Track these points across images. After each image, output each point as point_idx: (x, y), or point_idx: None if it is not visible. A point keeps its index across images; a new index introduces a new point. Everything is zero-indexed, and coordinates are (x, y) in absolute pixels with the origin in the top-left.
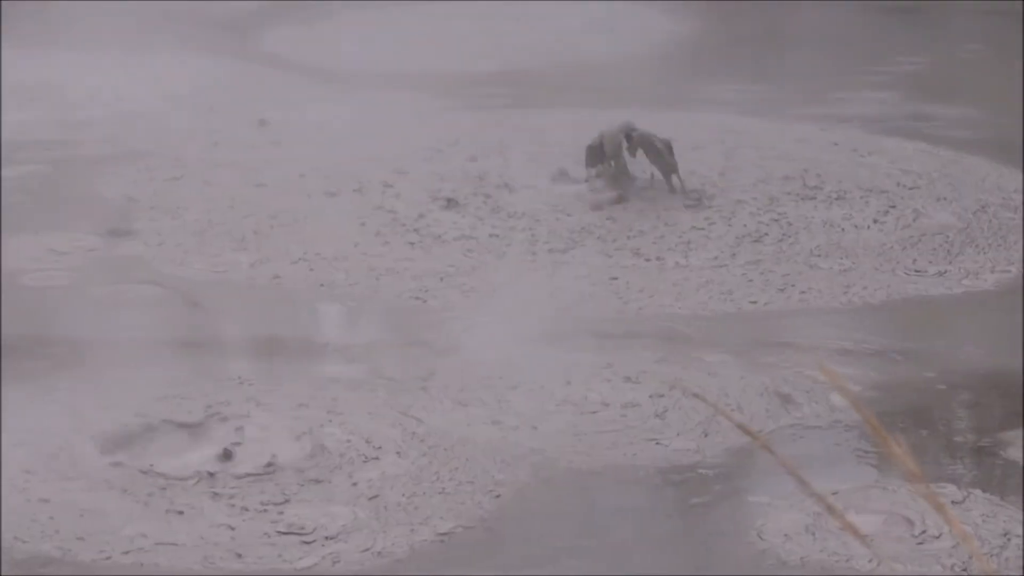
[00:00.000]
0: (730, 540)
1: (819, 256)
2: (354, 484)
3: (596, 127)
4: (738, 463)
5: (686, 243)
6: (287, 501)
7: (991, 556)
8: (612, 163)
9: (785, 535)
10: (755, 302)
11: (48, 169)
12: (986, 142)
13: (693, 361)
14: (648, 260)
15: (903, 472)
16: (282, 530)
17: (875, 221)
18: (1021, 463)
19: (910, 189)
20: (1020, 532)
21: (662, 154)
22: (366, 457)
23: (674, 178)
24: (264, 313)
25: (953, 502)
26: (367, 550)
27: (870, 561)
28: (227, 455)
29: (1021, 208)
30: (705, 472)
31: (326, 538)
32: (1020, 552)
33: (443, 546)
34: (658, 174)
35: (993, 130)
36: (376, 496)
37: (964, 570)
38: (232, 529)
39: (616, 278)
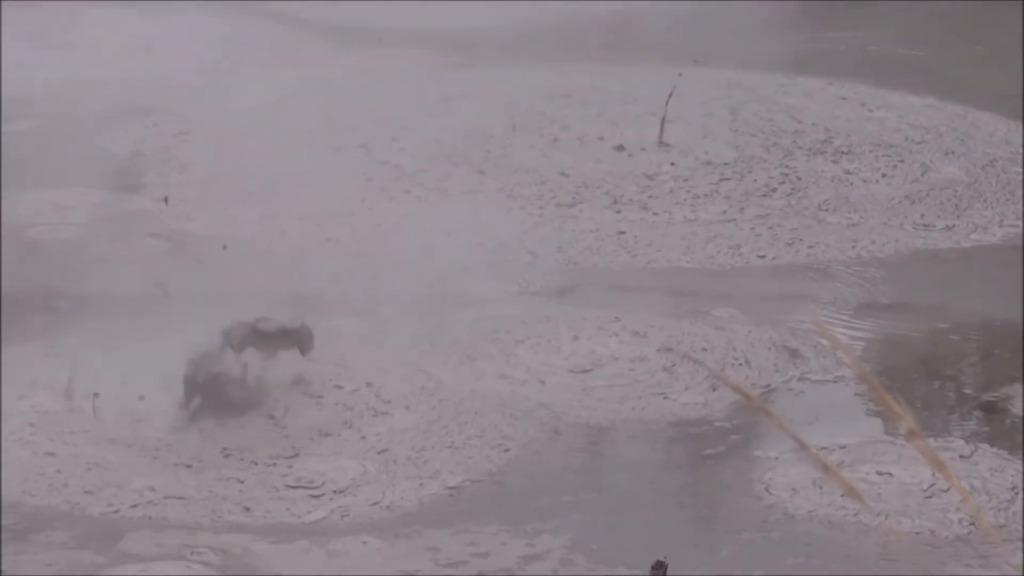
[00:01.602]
0: (738, 494)
1: (827, 211)
2: (363, 438)
3: (604, 83)
4: (746, 417)
5: (694, 197)
6: (296, 455)
7: (999, 510)
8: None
9: (793, 489)
10: (763, 256)
11: (55, 124)
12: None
13: (701, 315)
14: (656, 214)
15: (903, 430)
16: (291, 484)
17: (883, 176)
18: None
19: (918, 144)
20: None
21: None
22: (375, 411)
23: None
24: (271, 268)
25: (961, 456)
26: (376, 504)
27: (877, 515)
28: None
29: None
30: (713, 426)
31: (335, 492)
32: None
33: (452, 500)
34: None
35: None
36: (385, 450)
37: (972, 524)
38: (241, 483)
39: (624, 232)
